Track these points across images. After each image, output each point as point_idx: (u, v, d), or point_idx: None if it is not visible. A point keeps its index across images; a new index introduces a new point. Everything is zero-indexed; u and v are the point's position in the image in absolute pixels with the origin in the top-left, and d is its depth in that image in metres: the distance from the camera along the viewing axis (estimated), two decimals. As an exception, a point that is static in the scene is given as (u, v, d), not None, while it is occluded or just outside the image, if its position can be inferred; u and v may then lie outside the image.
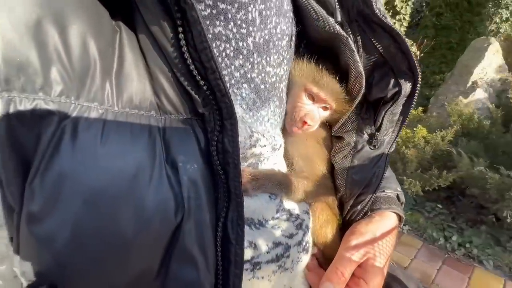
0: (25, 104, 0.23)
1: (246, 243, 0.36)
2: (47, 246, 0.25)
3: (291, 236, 0.42)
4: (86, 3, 0.27)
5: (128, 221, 0.27)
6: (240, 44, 0.34)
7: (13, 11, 0.22)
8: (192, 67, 0.28)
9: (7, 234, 0.27)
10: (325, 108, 0.46)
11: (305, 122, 0.44)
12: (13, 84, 0.23)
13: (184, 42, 0.27)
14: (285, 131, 0.47)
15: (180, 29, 0.27)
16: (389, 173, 0.53)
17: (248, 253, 0.37)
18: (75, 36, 0.25)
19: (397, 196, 0.52)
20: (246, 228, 0.35)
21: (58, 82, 0.24)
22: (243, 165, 0.39)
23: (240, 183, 0.31)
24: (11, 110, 0.23)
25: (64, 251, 0.25)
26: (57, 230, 0.25)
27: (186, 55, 0.28)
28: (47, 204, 0.24)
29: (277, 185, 0.42)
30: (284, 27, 0.38)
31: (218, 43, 0.33)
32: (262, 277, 0.40)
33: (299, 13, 0.41)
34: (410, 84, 0.42)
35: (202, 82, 0.28)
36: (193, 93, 0.30)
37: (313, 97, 0.45)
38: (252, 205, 0.39)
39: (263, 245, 0.39)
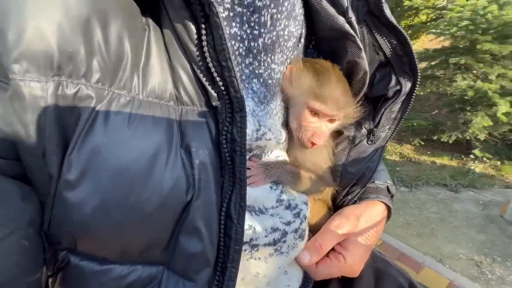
0: (70, 88, 0.27)
1: (246, 226, 0.38)
2: (78, 210, 0.29)
3: (288, 223, 0.45)
4: (124, 5, 0.31)
5: (148, 195, 0.31)
6: (252, 44, 0.38)
7: (69, 9, 0.27)
8: (210, 64, 0.32)
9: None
10: (331, 121, 0.45)
11: (313, 143, 0.43)
12: (63, 70, 0.27)
13: (205, 43, 0.31)
14: (293, 137, 0.47)
15: (204, 31, 0.31)
16: (381, 166, 0.55)
17: (247, 235, 0.40)
18: (113, 33, 0.29)
19: (387, 188, 0.55)
20: (247, 214, 0.38)
21: (97, 70, 0.29)
22: (248, 155, 0.42)
23: (245, 169, 0.34)
24: (59, 92, 0.27)
25: (91, 216, 0.29)
26: (88, 197, 0.29)
27: (206, 54, 0.32)
28: (81, 174, 0.28)
29: (288, 174, 0.44)
30: (293, 29, 0.41)
31: (233, 42, 0.37)
32: (259, 258, 0.43)
33: (310, 14, 0.44)
34: (410, 83, 0.45)
35: (218, 79, 0.32)
36: (209, 88, 0.34)
37: (317, 114, 0.43)
38: (253, 194, 0.42)
39: (262, 229, 0.42)
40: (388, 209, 0.54)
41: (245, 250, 0.41)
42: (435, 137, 3.90)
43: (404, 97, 0.46)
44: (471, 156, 3.75)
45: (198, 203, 0.33)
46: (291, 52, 0.43)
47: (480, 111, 3.36)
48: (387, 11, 0.41)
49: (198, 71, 0.34)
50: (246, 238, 0.40)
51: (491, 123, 3.30)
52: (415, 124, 4.11)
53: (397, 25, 0.42)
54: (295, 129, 0.45)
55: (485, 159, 3.62)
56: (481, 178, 3.40)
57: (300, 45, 0.44)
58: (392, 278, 0.54)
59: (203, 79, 0.34)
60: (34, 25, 0.25)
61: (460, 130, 3.63)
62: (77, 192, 0.29)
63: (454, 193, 3.20)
